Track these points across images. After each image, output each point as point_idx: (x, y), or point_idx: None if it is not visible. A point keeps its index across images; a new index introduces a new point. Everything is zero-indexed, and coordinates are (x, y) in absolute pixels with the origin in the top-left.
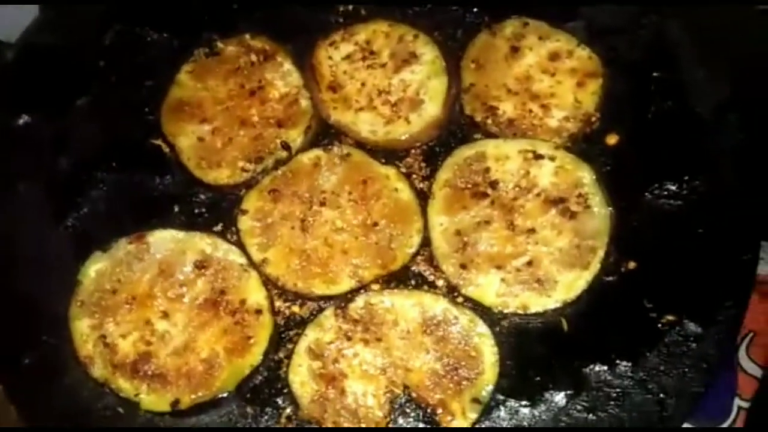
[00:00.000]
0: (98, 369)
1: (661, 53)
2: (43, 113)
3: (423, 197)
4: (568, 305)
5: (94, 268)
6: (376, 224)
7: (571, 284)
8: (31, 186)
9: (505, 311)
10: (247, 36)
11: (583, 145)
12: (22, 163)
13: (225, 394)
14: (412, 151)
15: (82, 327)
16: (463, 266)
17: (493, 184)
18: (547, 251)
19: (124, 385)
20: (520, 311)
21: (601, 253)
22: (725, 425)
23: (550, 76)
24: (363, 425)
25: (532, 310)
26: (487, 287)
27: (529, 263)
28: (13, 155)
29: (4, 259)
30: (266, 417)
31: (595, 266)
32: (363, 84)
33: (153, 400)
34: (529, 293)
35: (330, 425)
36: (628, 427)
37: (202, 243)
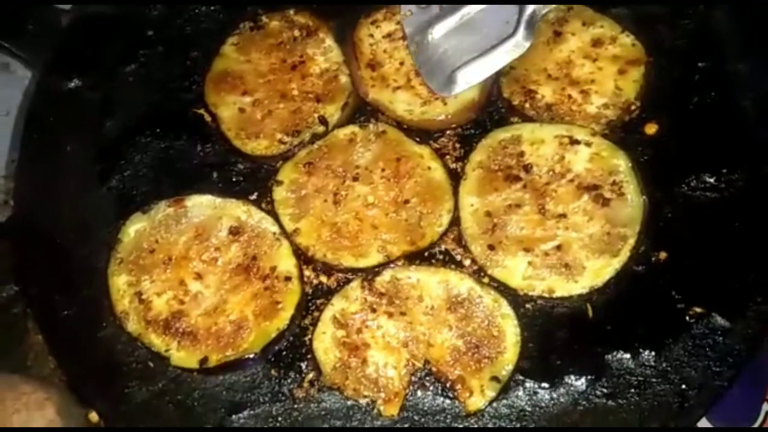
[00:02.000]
0: (133, 324)
1: (707, 43)
2: (93, 78)
3: (455, 177)
4: (595, 292)
5: (134, 228)
6: (407, 201)
7: (599, 271)
8: (78, 147)
9: (531, 294)
10: (291, 11)
11: (622, 133)
12: (70, 125)
13: (251, 356)
14: (447, 131)
15: (119, 283)
16: (491, 247)
17: (527, 168)
18: (577, 237)
19: (156, 341)
20: (545, 295)
21: (631, 242)
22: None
23: (592, 62)
24: (382, 395)
25: (558, 294)
26: (514, 269)
27: (558, 248)
28: (62, 117)
29: (50, 214)
30: (289, 380)
31: (625, 254)
32: (402, 63)
33: (182, 356)
34: (556, 277)
35: (350, 393)
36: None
37: (238, 210)
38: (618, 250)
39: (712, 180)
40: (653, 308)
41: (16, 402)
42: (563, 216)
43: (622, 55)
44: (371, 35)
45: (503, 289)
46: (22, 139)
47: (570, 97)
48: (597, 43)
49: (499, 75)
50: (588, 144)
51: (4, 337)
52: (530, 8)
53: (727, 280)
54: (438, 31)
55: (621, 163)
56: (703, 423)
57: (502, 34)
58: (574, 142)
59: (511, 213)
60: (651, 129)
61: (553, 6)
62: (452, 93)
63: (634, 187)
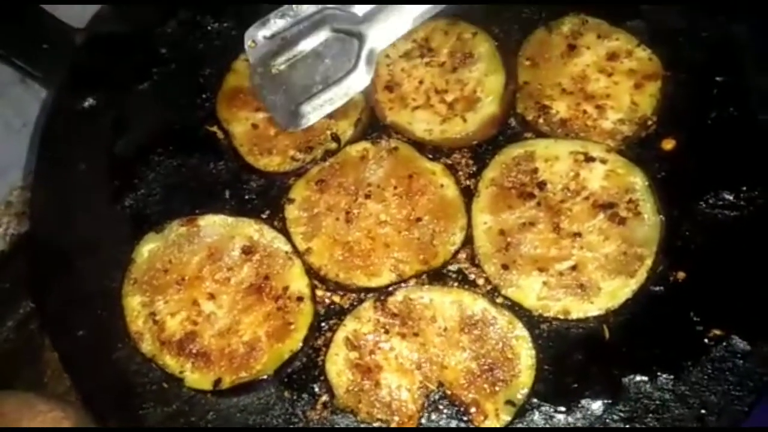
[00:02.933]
0: (147, 344)
1: (726, 57)
2: (107, 96)
3: (468, 195)
4: (611, 313)
5: (148, 248)
6: (419, 219)
7: (615, 292)
8: (92, 166)
9: (546, 315)
10: None
11: (638, 149)
12: (84, 144)
13: (264, 377)
14: (459, 147)
15: (133, 303)
16: (505, 267)
17: (541, 185)
18: (592, 256)
19: (170, 362)
20: (560, 316)
21: (648, 262)
22: None
23: (607, 76)
24: (396, 418)
25: (573, 315)
26: (528, 289)
27: (573, 268)
28: (77, 135)
29: (64, 233)
30: (302, 402)
31: (642, 275)
32: (420, 82)
33: (196, 378)
34: (571, 298)
35: (364, 416)
36: None
37: (250, 229)
38: (635, 271)
39: (731, 197)
40: (671, 330)
41: (32, 421)
42: (578, 235)
43: (638, 69)
44: (387, 56)
45: (518, 310)
46: (37, 157)
47: (585, 112)
48: (612, 56)
49: (517, 89)
50: (603, 161)
51: (21, 352)
52: (368, 46)
53: (747, 302)
54: (281, 62)
55: (637, 180)
56: None
57: (344, 68)
58: (589, 158)
59: (525, 231)
60: (668, 145)
61: (390, 43)
62: (300, 126)
63: (650, 205)
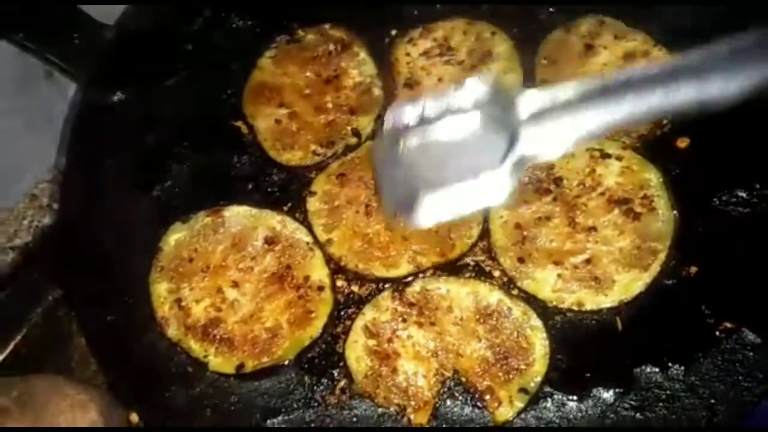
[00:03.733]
0: (173, 330)
1: None
2: (135, 92)
3: None
4: (624, 305)
5: (174, 237)
6: None
7: (628, 285)
8: (121, 158)
9: (560, 306)
10: (327, 26)
11: (653, 147)
12: (113, 137)
13: (285, 362)
14: None
15: (160, 290)
16: (521, 260)
17: (557, 181)
18: (606, 250)
19: (195, 347)
20: (574, 307)
21: (662, 257)
22: None
23: None
24: (413, 403)
25: (587, 307)
26: (543, 282)
27: (588, 261)
28: (105, 129)
29: (93, 223)
30: (322, 387)
31: (655, 269)
32: (440, 79)
33: (220, 362)
34: (586, 291)
35: (381, 400)
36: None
37: (273, 220)
38: (648, 265)
39: (744, 194)
40: (683, 323)
41: (61, 403)
42: (593, 229)
43: None
44: (408, 54)
45: (532, 301)
46: (67, 150)
47: None
48: (629, 56)
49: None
50: (619, 158)
51: (50, 339)
52: (521, 151)
53: (758, 296)
54: (413, 143)
55: (652, 177)
56: None
57: (485, 167)
58: (605, 155)
59: (540, 226)
60: (682, 143)
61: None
62: (410, 221)
63: (665, 201)
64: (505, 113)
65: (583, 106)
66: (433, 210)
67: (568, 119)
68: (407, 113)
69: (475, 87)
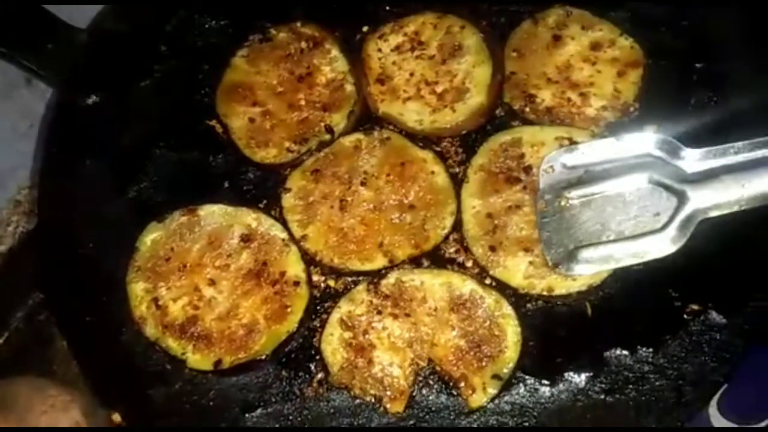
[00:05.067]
0: (150, 329)
1: (706, 44)
2: (110, 94)
3: (457, 181)
4: (594, 289)
5: (150, 237)
6: (411, 206)
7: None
8: (97, 159)
9: (532, 292)
10: (298, 23)
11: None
12: (89, 139)
13: (263, 357)
14: (449, 136)
15: (137, 290)
16: (493, 248)
17: (527, 170)
18: None
19: (173, 345)
20: (545, 293)
21: None
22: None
23: (591, 65)
24: (388, 393)
25: (557, 292)
26: (515, 269)
27: None
28: (81, 131)
29: (71, 225)
30: (299, 380)
31: None
32: (411, 74)
33: (198, 359)
34: (555, 276)
35: (358, 391)
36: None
37: (249, 218)
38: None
39: None
40: (651, 306)
41: (43, 404)
42: None
43: (620, 58)
44: (379, 49)
45: (505, 290)
46: (43, 154)
47: (569, 100)
48: (596, 46)
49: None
50: None
51: (31, 342)
52: (689, 208)
53: (723, 278)
54: (575, 196)
55: None
56: (717, 419)
57: (648, 225)
58: (574, 143)
59: (511, 214)
60: (650, 130)
61: (718, 214)
62: (570, 271)
63: None
64: (671, 173)
65: (754, 166)
66: (595, 263)
67: (740, 180)
68: (568, 168)
69: (639, 139)
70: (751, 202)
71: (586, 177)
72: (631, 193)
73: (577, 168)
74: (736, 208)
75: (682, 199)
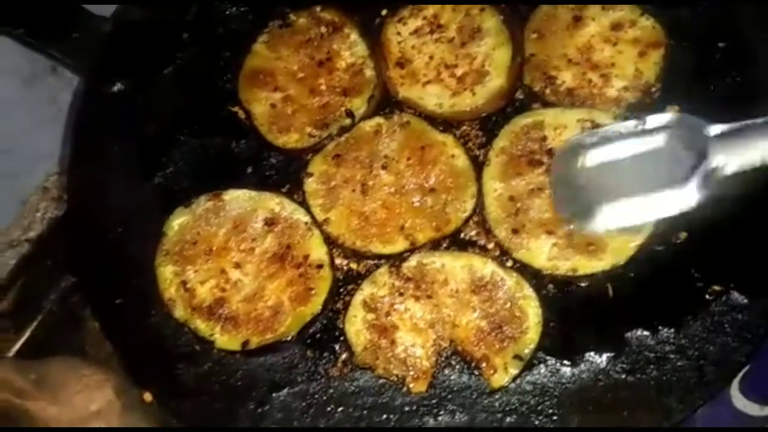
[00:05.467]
0: (179, 310)
1: (728, 24)
2: (134, 81)
3: (478, 164)
4: (618, 268)
5: (177, 221)
6: (432, 189)
7: (621, 249)
8: (123, 146)
9: (555, 273)
10: (318, 8)
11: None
12: (115, 126)
13: (288, 338)
14: (469, 119)
15: (166, 273)
16: (515, 231)
17: (549, 153)
18: None
19: (201, 326)
20: (570, 274)
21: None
22: None
23: (612, 45)
24: (411, 373)
25: (581, 272)
26: (538, 251)
27: None
28: (108, 119)
29: (100, 211)
30: (324, 361)
31: (647, 231)
32: (431, 57)
33: (225, 340)
34: (580, 257)
35: (381, 371)
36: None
37: (272, 202)
38: (639, 228)
39: None
40: (673, 287)
41: (78, 383)
42: None
43: (642, 38)
44: (398, 33)
45: (526, 271)
46: (71, 141)
47: (590, 81)
48: (617, 26)
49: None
50: None
51: (64, 323)
52: (709, 165)
53: (745, 259)
54: (591, 158)
55: None
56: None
57: (665, 183)
58: (596, 126)
59: (534, 197)
60: (672, 111)
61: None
62: (587, 228)
63: None
64: (692, 134)
65: None
66: (612, 218)
67: (759, 142)
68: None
69: (661, 119)
70: None
71: (605, 141)
72: (650, 153)
73: (595, 134)
74: (758, 163)
75: (702, 155)
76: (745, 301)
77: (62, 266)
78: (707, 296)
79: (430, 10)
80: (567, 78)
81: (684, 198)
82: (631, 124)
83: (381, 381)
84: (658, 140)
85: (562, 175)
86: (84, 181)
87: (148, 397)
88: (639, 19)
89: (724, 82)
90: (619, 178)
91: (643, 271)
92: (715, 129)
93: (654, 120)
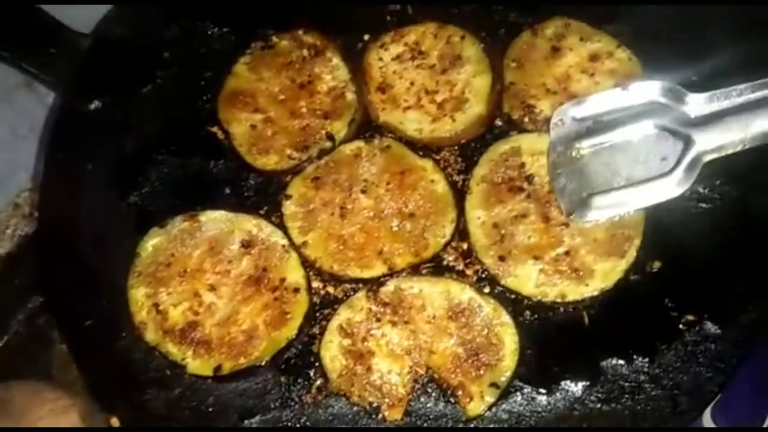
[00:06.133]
0: (150, 333)
1: (701, 57)
2: (112, 99)
3: (457, 190)
4: (591, 300)
5: (152, 242)
6: (411, 214)
7: (608, 273)
8: (99, 164)
9: (544, 300)
10: (300, 31)
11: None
12: (91, 144)
13: (262, 363)
14: (448, 145)
15: (138, 295)
16: (502, 258)
17: (529, 179)
18: (583, 241)
19: (173, 350)
20: (558, 300)
21: (637, 242)
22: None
23: (589, 76)
24: (387, 400)
25: (570, 298)
26: (526, 278)
27: (567, 253)
28: (84, 136)
29: (72, 230)
30: (298, 387)
31: (632, 254)
32: (411, 83)
33: (198, 364)
34: (567, 282)
35: (356, 399)
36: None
37: (249, 224)
38: (624, 251)
39: (705, 191)
40: (647, 316)
41: (42, 408)
42: (567, 223)
43: (619, 70)
44: (380, 58)
45: (504, 297)
46: (45, 158)
47: None
48: (594, 57)
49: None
50: None
51: (30, 345)
52: (694, 150)
53: (719, 289)
54: (586, 146)
55: None
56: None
57: (656, 169)
58: None
59: (517, 223)
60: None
61: (722, 154)
62: (584, 218)
63: None
64: (676, 118)
65: (756, 107)
66: (607, 209)
67: (742, 121)
68: (578, 120)
69: (645, 88)
70: (754, 141)
71: (595, 127)
72: (639, 140)
73: (585, 119)
74: (739, 148)
75: (687, 142)
76: (718, 331)
77: (30, 286)
78: (681, 326)
79: (412, 36)
80: (545, 107)
81: (672, 186)
82: (616, 91)
83: (356, 408)
84: (648, 127)
85: (559, 162)
86: (57, 198)
87: (115, 422)
88: (616, 51)
89: None
90: (611, 166)
91: (617, 299)
92: (696, 98)
93: (637, 86)
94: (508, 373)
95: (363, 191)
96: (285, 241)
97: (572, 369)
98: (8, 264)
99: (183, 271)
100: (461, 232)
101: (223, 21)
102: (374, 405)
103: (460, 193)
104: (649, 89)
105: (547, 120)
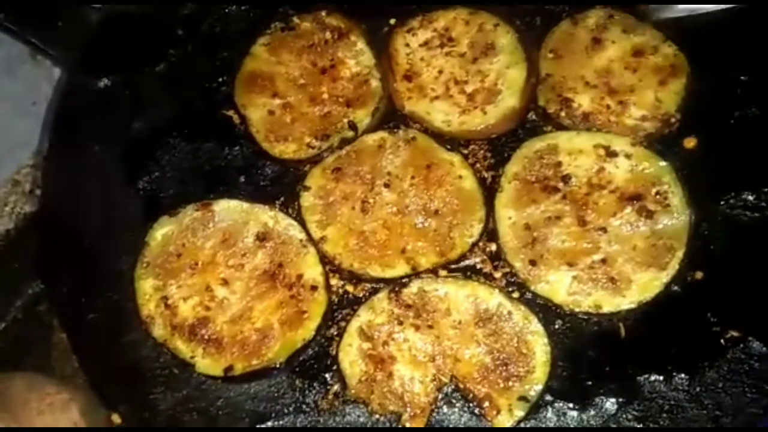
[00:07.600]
0: (158, 329)
1: (752, 56)
2: (123, 77)
3: (486, 186)
4: (642, 307)
5: (161, 231)
6: (437, 211)
7: (646, 285)
8: (106, 146)
9: (576, 310)
10: (323, 12)
11: (659, 146)
12: (99, 124)
13: (276, 365)
14: (477, 139)
15: (145, 287)
16: (533, 262)
17: (565, 179)
18: (621, 249)
19: (182, 347)
20: (592, 310)
21: (679, 254)
22: None
23: (632, 71)
24: (408, 410)
25: (606, 309)
26: (558, 284)
27: (603, 261)
28: (92, 115)
29: (76, 213)
30: (314, 392)
31: (674, 267)
32: (440, 72)
33: (207, 363)
34: (603, 292)
35: (376, 407)
36: None
37: (265, 216)
38: (666, 263)
39: (752, 198)
40: (688, 330)
41: (40, 403)
42: (605, 228)
43: (663, 66)
44: (407, 44)
45: (534, 304)
46: (50, 136)
47: (608, 107)
48: (638, 52)
49: (539, 83)
50: (628, 155)
51: (28, 333)
52: None
53: (765, 304)
54: None
55: (664, 173)
56: None
57: None
58: (612, 153)
59: (551, 225)
60: (690, 143)
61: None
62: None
63: (679, 197)
64: None
65: None
66: None
67: None
68: None
69: None
70: None
71: None
72: None
73: None
74: None
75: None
76: (764, 349)
77: (30, 270)
78: (724, 342)
79: (441, 22)
80: (584, 101)
81: None
82: None
83: (375, 417)
84: None
85: None
86: (61, 179)
87: (116, 419)
88: (661, 46)
89: (745, 115)
90: None
91: (657, 311)
92: None
93: None
94: (539, 386)
95: (386, 185)
96: (303, 236)
97: (607, 384)
98: (7, 245)
99: (194, 263)
100: (490, 232)
101: None
102: (395, 414)
103: (489, 191)
104: None
105: (585, 115)
